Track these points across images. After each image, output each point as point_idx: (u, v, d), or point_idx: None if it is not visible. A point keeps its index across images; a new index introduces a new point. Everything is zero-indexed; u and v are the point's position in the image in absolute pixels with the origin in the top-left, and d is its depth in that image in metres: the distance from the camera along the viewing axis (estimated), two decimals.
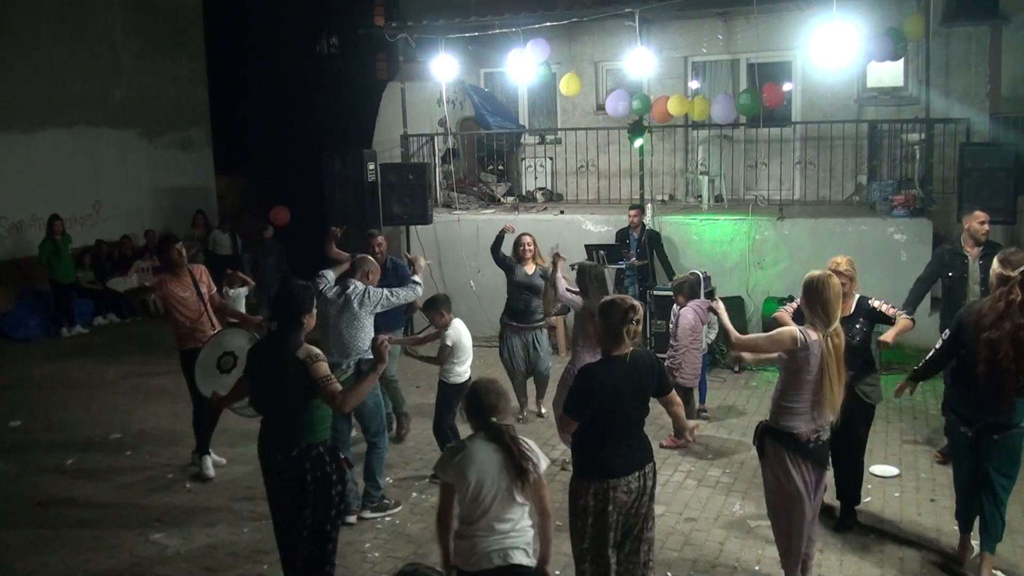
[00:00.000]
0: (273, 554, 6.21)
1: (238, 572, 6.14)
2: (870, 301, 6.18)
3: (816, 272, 5.17)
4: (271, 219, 15.00)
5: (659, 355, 9.47)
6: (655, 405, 4.86)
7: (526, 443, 4.19)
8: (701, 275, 9.43)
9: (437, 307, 7.56)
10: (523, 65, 12.47)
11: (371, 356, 6.74)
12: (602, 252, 10.54)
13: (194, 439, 8.03)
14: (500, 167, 14.89)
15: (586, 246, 10.84)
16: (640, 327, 4.70)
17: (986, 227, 7.71)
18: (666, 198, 13.65)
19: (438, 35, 12.95)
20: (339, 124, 19.70)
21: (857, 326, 6.12)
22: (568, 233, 12.06)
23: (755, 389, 9.97)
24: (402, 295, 7.12)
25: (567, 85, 12.98)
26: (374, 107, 15.14)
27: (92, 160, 16.39)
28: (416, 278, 7.28)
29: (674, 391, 4.93)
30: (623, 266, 10.96)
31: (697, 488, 7.32)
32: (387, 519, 6.81)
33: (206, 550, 6.43)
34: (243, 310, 11.20)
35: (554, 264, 7.87)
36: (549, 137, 14.90)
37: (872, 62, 11.59)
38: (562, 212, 12.89)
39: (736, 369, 10.59)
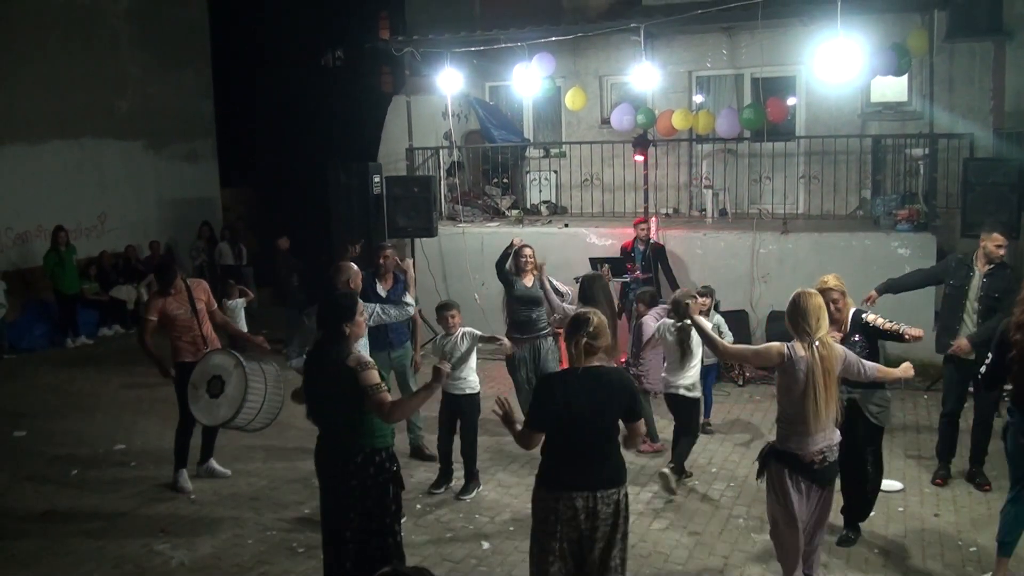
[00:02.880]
0: (278, 565, 6.27)
1: None
2: (864, 316, 6.11)
3: (796, 291, 5.22)
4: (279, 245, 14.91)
5: None
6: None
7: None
8: (711, 288, 9.47)
9: (449, 309, 7.61)
10: (528, 79, 12.53)
11: None
12: (606, 265, 10.56)
13: (198, 451, 8.05)
14: (505, 180, 14.94)
15: (591, 259, 10.86)
16: (597, 342, 4.55)
17: (1002, 251, 7.37)
18: (670, 212, 13.68)
19: (444, 49, 13.01)
20: (344, 137, 19.74)
21: (855, 341, 6.04)
22: (572, 246, 12.10)
23: (759, 403, 9.97)
24: (393, 314, 7.19)
25: (572, 99, 13.04)
26: (379, 120, 15.18)
27: (98, 171, 16.42)
28: (408, 299, 7.29)
29: (641, 422, 4.73)
30: (627, 279, 10.98)
31: (701, 502, 7.32)
32: None
33: (211, 561, 6.44)
34: (243, 321, 11.25)
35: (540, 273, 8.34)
36: (553, 150, 14.95)
37: (876, 77, 11.64)
38: (566, 225, 12.92)
39: (740, 383, 10.61)
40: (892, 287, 7.89)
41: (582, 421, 4.51)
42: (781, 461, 5.20)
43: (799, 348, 5.05)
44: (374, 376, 4.83)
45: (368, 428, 4.93)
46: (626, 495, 4.62)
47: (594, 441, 4.55)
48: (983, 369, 5.67)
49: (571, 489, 4.51)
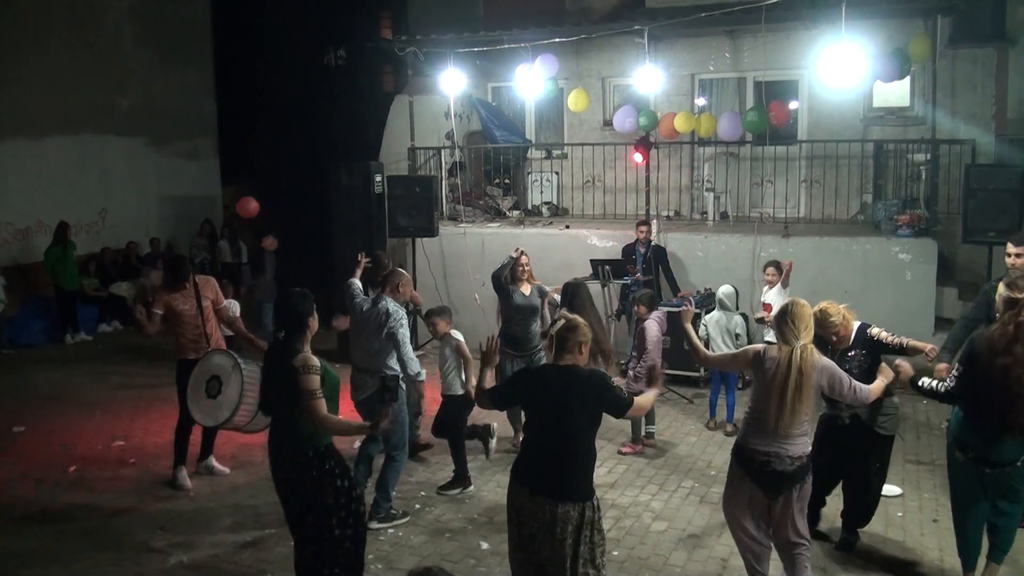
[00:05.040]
0: (276, 563, 6.27)
1: None
2: (869, 330, 6.02)
3: (788, 300, 5.28)
4: (238, 211, 14.86)
5: (669, 371, 9.59)
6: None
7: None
8: (734, 289, 9.57)
9: (440, 316, 7.73)
10: (531, 80, 12.54)
11: (395, 371, 6.86)
12: (607, 267, 10.55)
13: (198, 447, 8.06)
14: (506, 181, 14.94)
15: (592, 261, 10.85)
16: (570, 335, 4.62)
17: (1021, 260, 6.72)
18: (672, 214, 13.68)
19: (446, 49, 13.01)
20: (346, 136, 19.74)
21: (851, 354, 5.95)
22: (573, 248, 12.10)
23: None
24: (407, 353, 6.89)
25: (575, 101, 13.04)
26: (381, 119, 15.18)
27: (99, 168, 16.41)
28: (416, 365, 7.03)
29: (633, 409, 4.75)
30: (628, 281, 10.97)
31: (700, 505, 7.32)
32: (391, 531, 6.81)
33: (209, 559, 6.43)
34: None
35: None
36: (555, 152, 14.95)
37: (878, 82, 11.64)
38: (567, 227, 12.91)
39: (739, 386, 10.59)
40: (953, 348, 6.90)
41: (547, 419, 4.60)
42: (735, 454, 5.31)
43: (773, 350, 5.14)
44: (314, 382, 4.87)
45: (304, 428, 4.98)
46: (575, 513, 4.51)
47: (555, 445, 4.57)
48: (949, 383, 5.49)
49: (521, 482, 4.63)
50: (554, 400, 4.57)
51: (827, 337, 5.93)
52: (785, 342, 5.07)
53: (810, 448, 5.18)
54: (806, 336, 5.06)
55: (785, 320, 5.10)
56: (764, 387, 5.11)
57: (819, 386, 5.11)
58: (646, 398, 4.99)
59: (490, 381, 5.16)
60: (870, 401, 5.35)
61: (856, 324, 6.09)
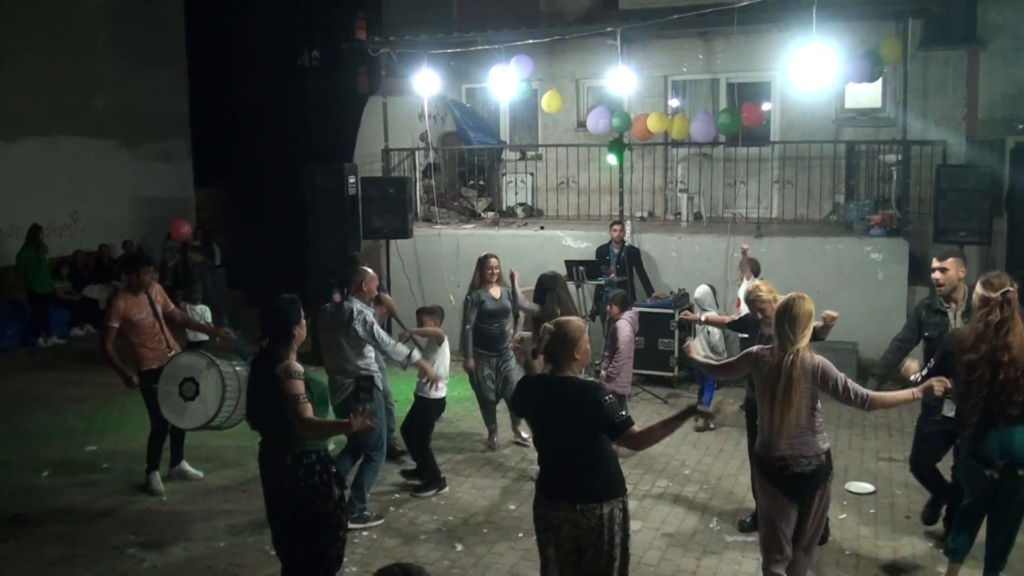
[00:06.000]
0: (249, 567, 6.24)
1: None
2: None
3: (791, 295, 5.15)
4: (172, 233, 14.86)
5: (642, 371, 9.64)
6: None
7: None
8: (710, 288, 9.61)
9: (431, 315, 7.83)
10: (505, 81, 12.54)
11: (369, 371, 6.86)
12: (582, 268, 10.58)
13: (168, 452, 7.99)
14: (481, 182, 14.95)
15: (566, 262, 10.87)
16: (557, 348, 4.50)
17: (944, 275, 6.17)
18: (645, 215, 13.73)
19: (421, 50, 12.99)
20: (320, 137, 19.68)
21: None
22: (548, 249, 12.11)
23: (730, 406, 10.01)
24: (386, 343, 6.97)
25: (548, 102, 13.06)
26: (355, 121, 15.13)
27: (71, 170, 16.28)
28: (401, 348, 7.09)
29: (627, 434, 4.46)
30: (602, 282, 11.00)
31: (674, 504, 7.35)
32: (364, 533, 6.80)
33: (183, 564, 6.39)
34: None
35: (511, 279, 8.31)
36: (530, 153, 14.97)
37: (850, 83, 11.74)
38: (542, 228, 12.93)
39: (716, 385, 10.65)
40: (885, 374, 6.67)
41: (551, 431, 4.55)
42: (755, 463, 5.24)
43: (767, 353, 5.04)
44: (298, 387, 4.83)
45: (298, 433, 4.91)
46: (618, 511, 4.48)
47: (567, 454, 4.50)
48: (917, 379, 5.47)
49: (555, 499, 4.50)
50: (551, 413, 4.51)
51: (755, 313, 6.29)
52: (780, 345, 4.94)
53: (827, 445, 5.02)
54: (803, 338, 4.90)
55: (783, 322, 4.94)
56: (759, 391, 5.07)
57: (814, 386, 4.93)
58: (652, 435, 4.57)
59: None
60: (870, 405, 5.00)
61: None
